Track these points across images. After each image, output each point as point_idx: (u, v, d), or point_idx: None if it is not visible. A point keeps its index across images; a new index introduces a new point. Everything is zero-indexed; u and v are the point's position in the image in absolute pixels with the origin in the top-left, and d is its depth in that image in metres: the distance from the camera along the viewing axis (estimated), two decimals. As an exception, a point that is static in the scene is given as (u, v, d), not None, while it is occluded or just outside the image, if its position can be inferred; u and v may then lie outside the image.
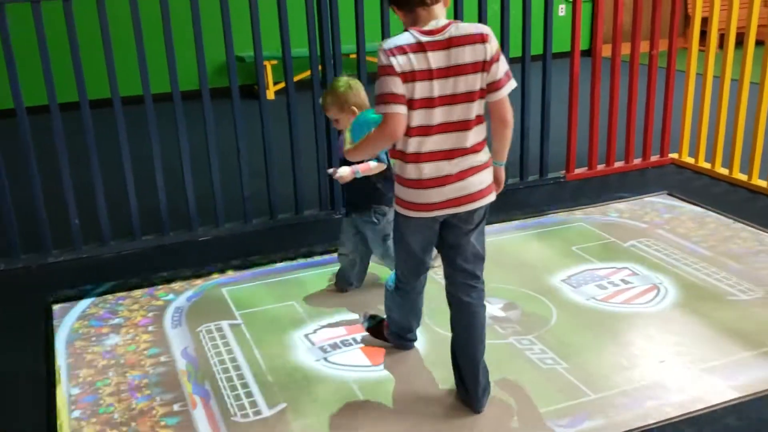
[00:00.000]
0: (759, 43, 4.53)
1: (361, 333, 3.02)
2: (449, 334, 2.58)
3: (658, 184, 4.54)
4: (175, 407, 2.66)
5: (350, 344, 2.97)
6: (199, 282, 3.58)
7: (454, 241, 2.47)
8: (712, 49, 4.55)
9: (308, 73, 4.20)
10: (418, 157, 2.34)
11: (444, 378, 2.69)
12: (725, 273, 3.45)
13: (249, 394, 2.71)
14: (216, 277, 3.62)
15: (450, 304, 2.56)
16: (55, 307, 3.36)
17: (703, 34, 4.89)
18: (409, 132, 2.32)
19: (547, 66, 4.53)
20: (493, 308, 3.17)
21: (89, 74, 3.84)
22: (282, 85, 6.72)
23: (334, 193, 4.27)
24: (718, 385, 2.64)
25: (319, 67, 4.17)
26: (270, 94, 7.17)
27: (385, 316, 2.95)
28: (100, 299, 3.43)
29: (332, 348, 2.96)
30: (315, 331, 3.07)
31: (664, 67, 4.78)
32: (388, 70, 2.24)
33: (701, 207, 4.16)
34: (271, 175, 4.16)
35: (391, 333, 2.94)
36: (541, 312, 3.16)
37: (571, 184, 4.69)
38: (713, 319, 3.04)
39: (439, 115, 2.31)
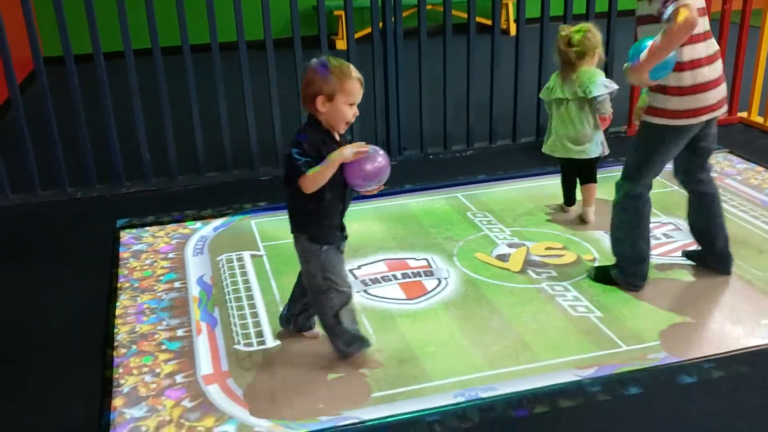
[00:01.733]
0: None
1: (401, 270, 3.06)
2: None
3: (723, 142, 4.33)
4: (179, 332, 2.72)
5: (390, 280, 3.00)
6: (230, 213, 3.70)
7: (707, 144, 2.79)
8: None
9: (370, 29, 4.25)
10: (693, 64, 2.55)
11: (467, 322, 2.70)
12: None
13: (257, 324, 2.74)
14: (248, 208, 3.71)
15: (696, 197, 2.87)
16: (123, 234, 3.55)
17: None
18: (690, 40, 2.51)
19: (611, 23, 4.39)
20: (530, 254, 3.15)
21: (160, 22, 3.96)
22: (360, 33, 6.81)
23: (390, 140, 4.30)
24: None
25: (380, 23, 4.18)
26: (343, 44, 7.15)
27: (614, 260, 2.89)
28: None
29: (372, 282, 2.98)
30: (359, 267, 3.13)
31: (737, 23, 4.56)
32: None
33: (762, 166, 3.96)
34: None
35: (621, 271, 2.85)
36: (581, 255, 3.11)
37: (632, 139, 4.51)
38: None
39: (702, 23, 2.54)
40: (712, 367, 2.41)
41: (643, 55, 2.45)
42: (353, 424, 2.22)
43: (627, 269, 2.88)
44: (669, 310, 2.72)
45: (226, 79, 4.08)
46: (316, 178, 2.22)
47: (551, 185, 3.77)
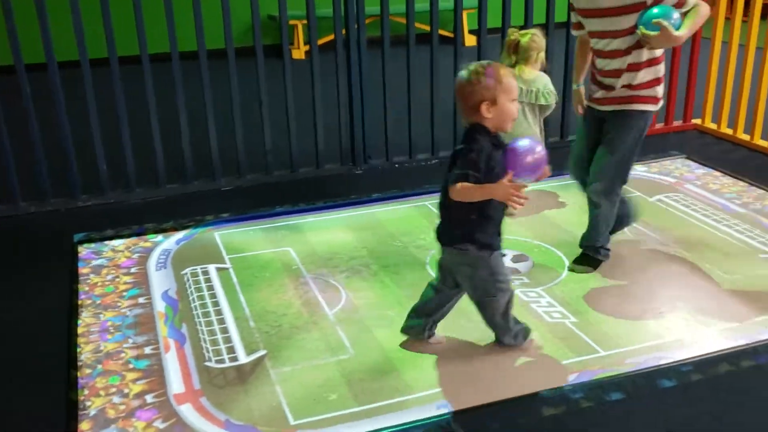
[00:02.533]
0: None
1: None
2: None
3: (679, 149, 4.42)
4: (147, 350, 2.60)
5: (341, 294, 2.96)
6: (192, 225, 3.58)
7: None
8: (738, 18, 4.41)
9: (333, 36, 4.18)
10: (660, 59, 2.83)
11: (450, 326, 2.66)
12: (759, 231, 3.34)
13: (227, 340, 2.64)
14: (210, 220, 3.60)
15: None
16: (81, 249, 3.39)
17: (731, 2, 4.74)
18: None
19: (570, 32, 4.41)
20: (504, 260, 3.09)
21: (119, 31, 3.83)
22: (320, 41, 6.64)
23: (354, 149, 4.24)
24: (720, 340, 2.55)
25: (343, 31, 4.12)
26: (300, 54, 7.15)
27: (593, 245, 3.03)
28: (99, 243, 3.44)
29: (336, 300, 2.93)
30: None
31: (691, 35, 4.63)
32: None
33: (719, 171, 4.01)
34: (292, 130, 4.12)
35: (605, 249, 3.05)
36: (553, 265, 3.10)
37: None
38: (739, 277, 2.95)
39: None
40: (691, 370, 2.40)
41: (684, 29, 2.67)
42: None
43: (608, 247, 3.06)
44: (641, 314, 2.70)
45: (186, 89, 3.95)
46: (466, 194, 2.19)
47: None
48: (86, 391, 2.39)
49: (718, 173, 4.02)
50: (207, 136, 4.05)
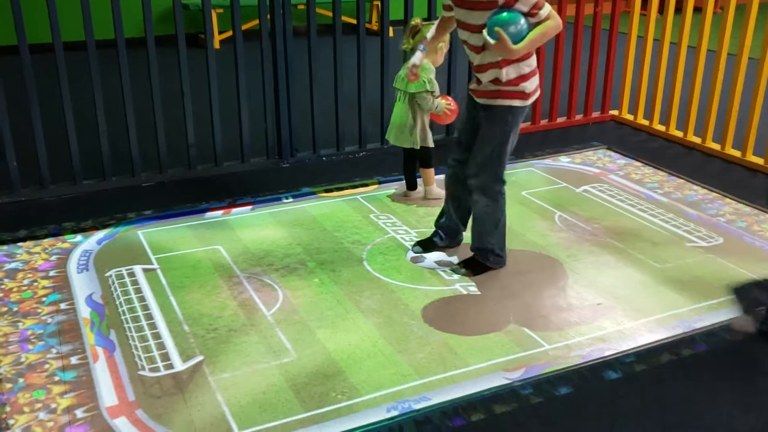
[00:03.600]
0: (697, 9, 4.48)
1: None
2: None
3: (599, 139, 4.47)
4: (73, 360, 2.41)
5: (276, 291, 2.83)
6: (113, 224, 3.37)
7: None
8: (653, 14, 4.51)
9: (256, 22, 3.99)
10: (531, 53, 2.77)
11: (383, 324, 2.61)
12: (682, 219, 3.41)
13: (161, 346, 2.47)
14: (132, 218, 3.41)
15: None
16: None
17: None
18: None
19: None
20: (438, 254, 3.06)
21: (29, 18, 3.56)
22: (228, 33, 6.46)
23: (281, 142, 4.07)
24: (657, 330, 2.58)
25: (268, 16, 3.97)
26: (216, 43, 6.82)
27: (482, 247, 2.91)
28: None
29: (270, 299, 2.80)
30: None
31: (607, 29, 4.72)
32: None
33: (640, 161, 4.09)
34: (216, 123, 3.91)
35: (495, 255, 2.92)
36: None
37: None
38: (669, 266, 2.99)
39: None
40: (633, 361, 2.40)
41: (525, 43, 2.57)
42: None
43: (500, 254, 2.94)
44: (579, 305, 2.69)
45: (103, 79, 3.69)
46: None
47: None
48: (8, 408, 2.18)
49: (638, 163, 4.09)
50: (126, 129, 3.79)
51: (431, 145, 3.55)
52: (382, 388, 2.26)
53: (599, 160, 4.13)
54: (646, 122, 4.64)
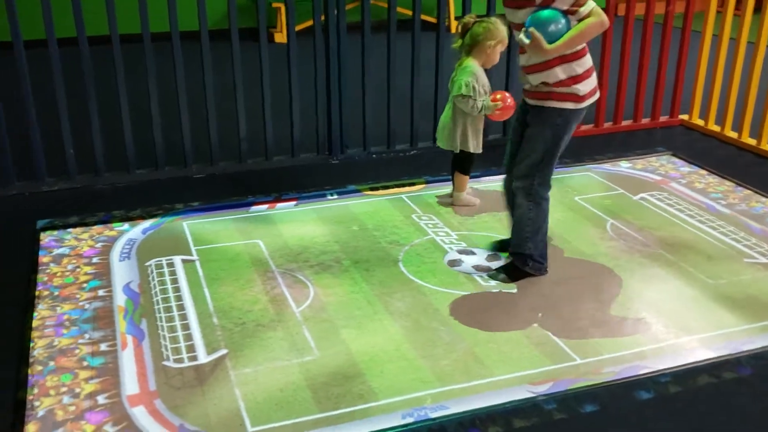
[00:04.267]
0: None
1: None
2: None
3: (664, 145, 4.31)
4: (103, 346, 2.47)
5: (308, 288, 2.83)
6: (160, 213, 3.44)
7: None
8: (730, 11, 4.28)
9: (311, 22, 4.01)
10: (585, 50, 2.66)
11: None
12: (744, 233, 3.24)
13: (188, 337, 2.51)
14: (179, 209, 3.47)
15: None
16: (43, 236, 3.22)
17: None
18: None
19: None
20: (477, 258, 3.00)
21: (88, 10, 3.66)
22: (300, 26, 6.47)
23: (331, 138, 4.09)
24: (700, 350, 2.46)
25: (322, 17, 3.95)
26: (283, 37, 6.89)
27: (521, 252, 2.84)
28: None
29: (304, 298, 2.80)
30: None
31: (680, 27, 4.52)
32: None
33: (705, 170, 3.90)
34: (268, 118, 3.95)
35: (534, 261, 2.85)
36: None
37: (574, 140, 4.43)
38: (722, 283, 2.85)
39: None
40: (669, 381, 2.29)
41: (561, 42, 2.50)
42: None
43: (540, 260, 2.86)
44: (620, 320, 2.58)
45: (158, 72, 3.77)
46: None
47: (495, 186, 3.59)
48: (36, 390, 2.26)
49: (704, 171, 3.90)
50: (179, 121, 3.87)
51: (473, 150, 3.45)
52: (401, 394, 2.22)
53: (662, 167, 3.96)
54: (717, 128, 4.42)
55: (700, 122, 4.57)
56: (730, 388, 2.27)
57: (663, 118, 4.67)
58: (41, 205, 3.58)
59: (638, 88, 4.52)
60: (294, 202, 3.57)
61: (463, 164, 3.51)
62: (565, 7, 2.54)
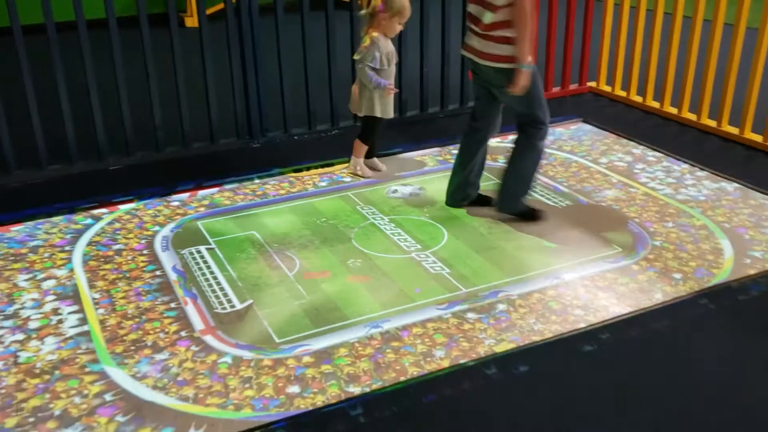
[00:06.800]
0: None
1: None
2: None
3: (575, 112, 8.05)
4: (172, 305, 6.24)
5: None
6: (179, 215, 7.55)
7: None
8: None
9: (222, 5, 6.94)
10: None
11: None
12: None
13: (225, 294, 6.37)
14: (192, 213, 7.45)
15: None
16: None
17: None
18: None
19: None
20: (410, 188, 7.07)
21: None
22: (211, 10, 9.83)
23: (250, 122, 7.38)
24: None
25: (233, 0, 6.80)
26: (194, 21, 10.63)
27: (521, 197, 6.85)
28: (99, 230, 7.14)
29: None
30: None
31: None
32: None
33: (614, 133, 7.96)
34: (183, 104, 7.22)
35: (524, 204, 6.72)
36: (436, 234, 7.37)
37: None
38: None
39: None
40: (608, 336, 6.00)
41: (524, 45, 6.43)
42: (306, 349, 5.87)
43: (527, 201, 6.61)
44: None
45: (65, 63, 7.07)
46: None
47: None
48: (141, 332, 6.15)
49: (613, 136, 7.71)
50: (91, 113, 7.15)
51: (379, 115, 6.80)
52: (361, 315, 6.39)
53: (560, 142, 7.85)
54: (623, 93, 8.48)
55: (608, 88, 8.46)
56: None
57: (573, 86, 8.57)
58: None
59: (547, 58, 8.17)
60: (217, 189, 7.55)
61: (364, 129, 6.77)
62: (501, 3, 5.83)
